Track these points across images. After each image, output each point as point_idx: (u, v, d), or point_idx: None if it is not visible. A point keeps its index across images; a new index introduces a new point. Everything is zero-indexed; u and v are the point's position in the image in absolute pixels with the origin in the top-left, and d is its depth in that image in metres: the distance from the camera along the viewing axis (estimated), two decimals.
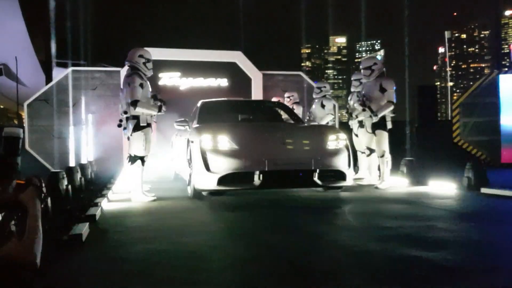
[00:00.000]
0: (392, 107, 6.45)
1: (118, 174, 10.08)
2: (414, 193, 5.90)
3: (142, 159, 5.61)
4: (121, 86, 6.04)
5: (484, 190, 5.55)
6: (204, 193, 5.23)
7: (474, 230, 3.59)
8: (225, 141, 5.15)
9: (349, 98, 8.06)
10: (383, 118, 6.49)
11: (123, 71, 13.26)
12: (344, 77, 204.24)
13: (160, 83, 13.59)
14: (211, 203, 5.17)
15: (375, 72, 6.57)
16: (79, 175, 8.47)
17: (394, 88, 6.48)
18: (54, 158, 10.56)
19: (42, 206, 2.11)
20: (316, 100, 8.66)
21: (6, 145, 2.37)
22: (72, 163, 8.87)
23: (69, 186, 6.96)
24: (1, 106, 48.49)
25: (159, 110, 5.70)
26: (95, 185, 8.49)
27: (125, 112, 5.62)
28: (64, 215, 4.68)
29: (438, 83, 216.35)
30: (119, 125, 6.26)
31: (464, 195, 5.48)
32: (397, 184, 6.90)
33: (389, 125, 6.54)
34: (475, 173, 6.27)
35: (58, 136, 11.16)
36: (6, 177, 1.96)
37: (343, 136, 5.60)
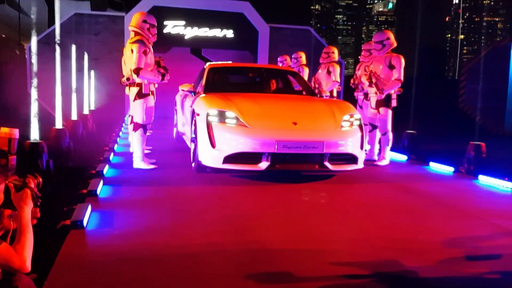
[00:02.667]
0: (399, 85, 6.35)
1: (119, 126, 10.10)
2: (412, 176, 5.92)
3: (144, 127, 5.61)
4: (124, 49, 5.90)
5: (482, 178, 5.56)
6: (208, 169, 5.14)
7: (467, 230, 3.65)
8: (233, 117, 4.97)
9: (357, 68, 7.92)
10: (388, 96, 6.41)
11: (128, 17, 12.95)
12: (354, 23, 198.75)
13: (165, 31, 13.34)
14: (214, 180, 5.17)
15: (386, 48, 6.41)
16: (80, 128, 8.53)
17: (403, 65, 6.34)
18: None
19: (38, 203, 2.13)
20: (322, 66, 8.50)
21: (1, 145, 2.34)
22: (74, 115, 8.86)
23: (71, 144, 7.01)
24: (3, 36, 47.56)
25: (162, 79, 5.61)
26: (98, 138, 8.54)
27: (128, 79, 5.55)
28: (66, 182, 4.77)
29: (449, 35, 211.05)
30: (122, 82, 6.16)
31: (461, 184, 5.50)
32: (397, 160, 6.94)
33: (394, 103, 6.47)
34: (475, 157, 6.29)
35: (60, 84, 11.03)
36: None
37: (357, 115, 5.40)
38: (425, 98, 14.07)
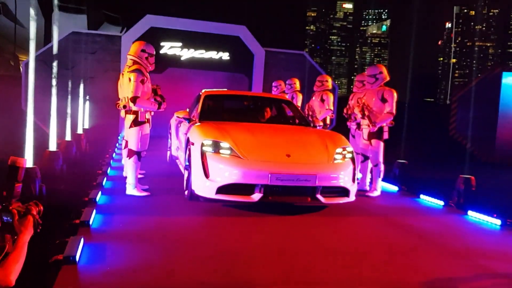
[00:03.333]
0: (391, 118, 6.47)
1: (113, 146, 10.11)
2: (402, 209, 5.98)
3: (138, 154, 5.65)
4: (121, 74, 5.97)
5: (471, 213, 5.64)
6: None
7: (453, 271, 3.72)
8: (227, 148, 5.05)
9: (350, 98, 8.04)
10: (381, 128, 6.52)
11: (125, 38, 13.08)
12: (348, 44, 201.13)
13: (162, 51, 13.47)
14: (207, 209, 5.20)
15: (378, 81, 6.55)
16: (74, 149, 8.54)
17: (395, 99, 6.47)
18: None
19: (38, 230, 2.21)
20: (316, 94, 8.65)
21: (10, 173, 2.44)
22: (68, 135, 8.88)
23: (64, 166, 7.02)
24: None
25: (159, 107, 5.68)
26: (91, 159, 8.54)
27: (125, 106, 5.61)
28: (59, 209, 4.77)
29: (441, 58, 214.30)
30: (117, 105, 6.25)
31: (451, 219, 5.56)
32: (388, 191, 7.02)
33: (386, 136, 6.58)
34: (465, 190, 6.39)
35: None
36: (4, 204, 2.04)
37: (350, 148, 5.51)
38: (417, 124, 14.24)
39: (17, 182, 2.44)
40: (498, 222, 5.26)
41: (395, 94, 6.48)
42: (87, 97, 11.21)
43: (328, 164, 5.21)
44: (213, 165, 4.99)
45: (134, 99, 5.41)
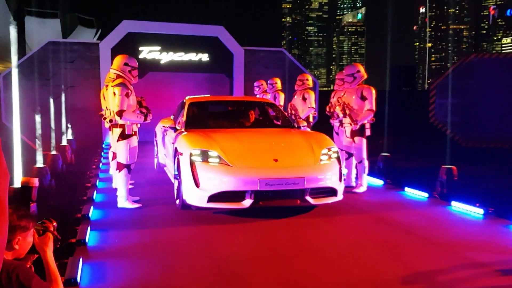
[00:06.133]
0: (372, 115, 6.64)
1: (98, 155, 10.10)
2: (388, 204, 6.14)
3: (128, 167, 5.71)
4: (105, 87, 6.02)
5: (454, 204, 5.84)
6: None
7: (440, 264, 3.90)
8: (216, 156, 5.15)
9: (331, 96, 8.18)
10: (362, 125, 6.69)
11: (102, 44, 13.01)
12: (325, 34, 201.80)
13: (140, 56, 13.44)
14: (199, 218, 5.29)
15: (357, 80, 6.72)
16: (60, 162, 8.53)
17: (374, 96, 6.64)
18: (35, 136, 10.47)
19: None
20: (298, 92, 8.78)
21: (22, 193, 2.53)
22: (53, 148, 8.84)
23: (53, 181, 7.03)
24: None
25: (145, 119, 5.74)
26: (78, 171, 8.53)
27: (111, 120, 5.66)
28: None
29: (417, 43, 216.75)
30: (101, 115, 6.30)
31: (435, 211, 5.74)
32: (374, 185, 7.20)
33: (368, 132, 6.75)
34: (448, 181, 6.62)
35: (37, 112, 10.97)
36: (22, 227, 2.15)
37: (335, 148, 5.66)
38: (397, 112, 14.49)
39: (32, 202, 2.54)
40: (480, 211, 5.46)
41: (373, 92, 6.64)
42: (68, 101, 11.09)
43: (315, 166, 5.34)
44: (202, 174, 5.08)
45: (120, 113, 5.47)
